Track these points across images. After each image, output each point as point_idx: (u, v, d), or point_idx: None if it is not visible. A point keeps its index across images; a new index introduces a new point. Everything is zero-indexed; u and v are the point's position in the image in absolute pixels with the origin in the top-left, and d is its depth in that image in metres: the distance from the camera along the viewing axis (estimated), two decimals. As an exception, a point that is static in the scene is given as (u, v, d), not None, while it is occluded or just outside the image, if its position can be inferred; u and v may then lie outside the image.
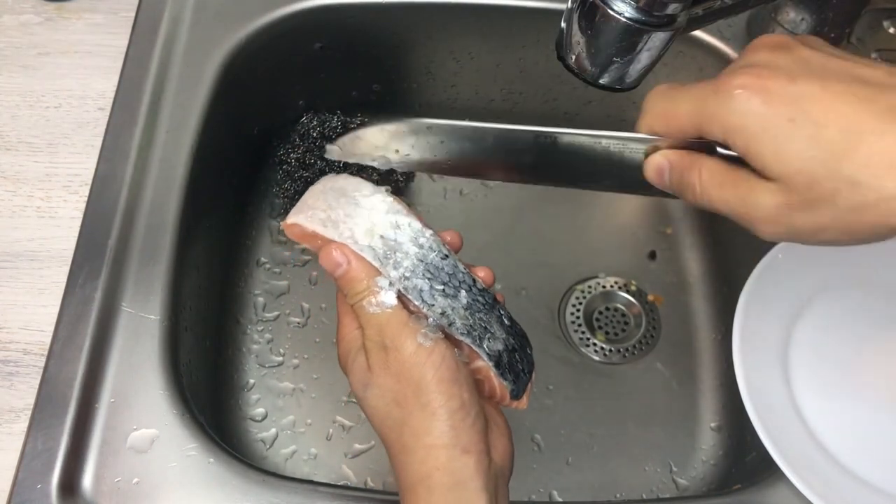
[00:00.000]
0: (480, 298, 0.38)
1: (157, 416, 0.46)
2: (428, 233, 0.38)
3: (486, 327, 0.37)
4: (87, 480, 0.44)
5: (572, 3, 0.40)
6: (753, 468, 0.53)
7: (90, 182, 0.54)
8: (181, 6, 0.62)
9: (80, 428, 0.45)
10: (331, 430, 0.61)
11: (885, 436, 0.48)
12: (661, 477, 0.61)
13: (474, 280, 0.39)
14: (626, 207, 0.74)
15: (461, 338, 0.37)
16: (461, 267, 0.38)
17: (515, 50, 0.69)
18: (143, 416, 0.46)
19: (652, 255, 0.70)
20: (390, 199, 0.39)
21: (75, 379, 0.47)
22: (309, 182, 0.65)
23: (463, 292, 0.37)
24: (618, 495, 0.60)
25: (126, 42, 0.61)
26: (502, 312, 0.39)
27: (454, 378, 0.35)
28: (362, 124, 0.69)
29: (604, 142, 0.36)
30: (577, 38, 0.41)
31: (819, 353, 0.50)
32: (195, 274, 0.56)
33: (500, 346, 0.38)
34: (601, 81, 0.42)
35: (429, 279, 0.37)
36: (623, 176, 0.36)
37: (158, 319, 0.49)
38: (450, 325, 0.36)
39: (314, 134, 0.67)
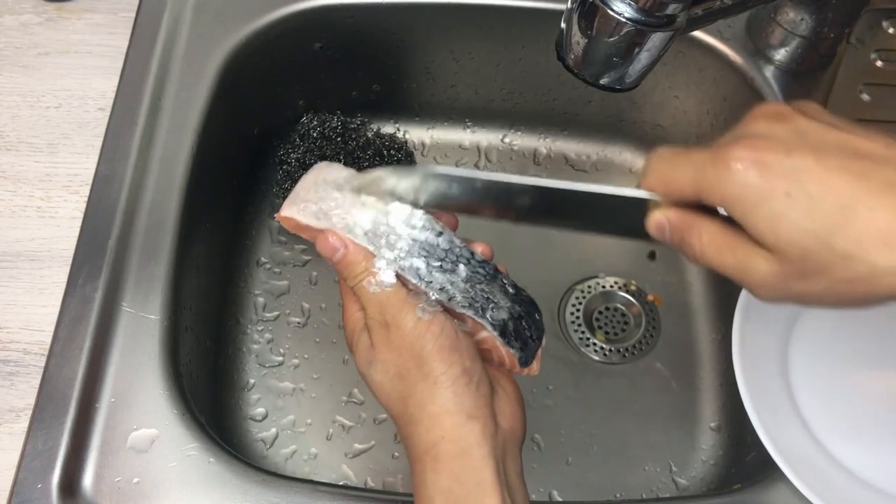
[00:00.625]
0: (480, 270, 0.39)
1: (158, 416, 0.46)
2: (419, 213, 0.39)
3: (488, 298, 0.38)
4: (88, 480, 0.44)
5: (572, 3, 0.40)
6: (753, 468, 0.53)
7: (90, 182, 0.54)
8: (181, 6, 0.62)
9: (80, 428, 0.45)
10: (331, 430, 0.61)
11: (885, 435, 0.48)
12: (661, 477, 0.61)
13: (472, 253, 0.39)
14: (626, 207, 0.73)
15: (463, 311, 0.37)
16: (457, 242, 0.39)
17: (515, 50, 0.69)
18: (143, 415, 0.46)
19: (652, 256, 0.70)
20: (368, 181, 0.39)
21: (75, 379, 0.47)
22: (309, 182, 0.65)
23: (461, 266, 0.38)
24: (618, 495, 0.60)
25: (126, 42, 0.61)
26: (506, 281, 0.40)
27: (454, 346, 0.36)
28: (362, 124, 0.69)
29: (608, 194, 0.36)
30: (577, 38, 0.41)
31: (819, 353, 0.51)
32: (195, 274, 0.56)
33: (504, 315, 0.38)
34: (601, 82, 0.42)
35: (424, 257, 0.37)
36: (627, 224, 0.36)
37: (158, 319, 0.49)
38: (450, 299, 0.37)
39: (314, 134, 0.67)
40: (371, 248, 0.38)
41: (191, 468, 0.45)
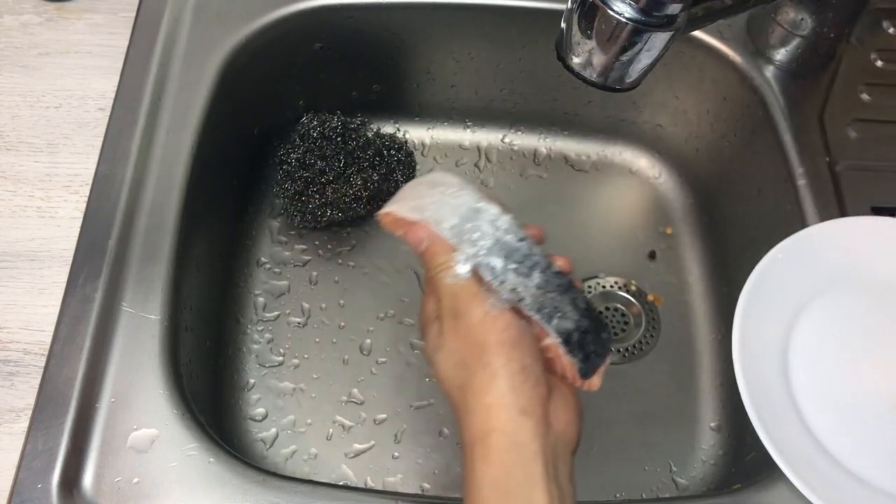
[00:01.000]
0: (554, 280, 0.40)
1: (158, 416, 0.46)
2: (506, 217, 0.41)
3: (556, 307, 0.39)
4: (88, 480, 0.44)
5: (572, 3, 0.40)
6: (753, 468, 0.53)
7: (90, 182, 0.54)
8: (181, 6, 0.62)
9: (80, 428, 0.46)
10: (331, 430, 0.61)
11: (885, 435, 0.48)
12: (661, 477, 0.61)
13: (550, 264, 0.41)
14: (626, 207, 0.74)
15: (531, 314, 0.39)
16: (537, 251, 0.41)
17: (515, 50, 0.69)
18: (143, 415, 0.46)
19: (652, 255, 0.70)
20: (474, 189, 0.42)
21: (76, 379, 0.47)
22: (309, 182, 0.66)
23: (537, 273, 0.40)
24: (618, 495, 0.60)
25: (126, 42, 0.61)
26: (578, 296, 0.41)
27: (516, 343, 0.37)
28: (362, 124, 0.69)
29: None
30: (577, 38, 0.41)
31: (819, 353, 0.51)
32: (195, 274, 0.56)
33: (570, 326, 0.40)
34: (601, 81, 0.42)
35: (503, 258, 0.39)
36: None
37: (159, 319, 0.49)
38: (520, 300, 0.39)
39: (314, 134, 0.67)
40: (454, 241, 0.40)
41: (191, 468, 0.45)
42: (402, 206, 0.43)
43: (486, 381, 0.37)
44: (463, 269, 0.39)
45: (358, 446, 0.60)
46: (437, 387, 0.63)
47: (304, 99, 0.72)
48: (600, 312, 0.42)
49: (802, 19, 0.58)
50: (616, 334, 0.67)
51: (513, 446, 0.36)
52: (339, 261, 0.68)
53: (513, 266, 0.39)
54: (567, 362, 0.40)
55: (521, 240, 0.40)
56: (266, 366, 0.63)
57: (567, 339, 0.39)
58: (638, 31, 0.38)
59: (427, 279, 0.42)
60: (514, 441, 0.36)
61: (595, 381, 0.41)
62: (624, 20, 0.38)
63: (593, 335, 0.41)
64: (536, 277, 0.40)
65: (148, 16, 0.62)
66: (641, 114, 0.73)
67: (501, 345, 0.37)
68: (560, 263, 0.41)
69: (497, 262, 0.39)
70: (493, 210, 0.41)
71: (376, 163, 0.67)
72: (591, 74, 0.42)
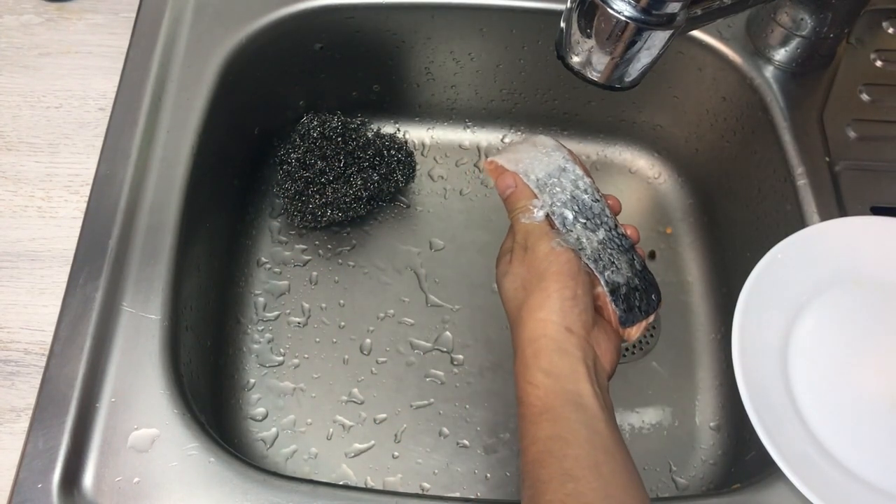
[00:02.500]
0: (617, 240, 0.46)
1: (158, 416, 0.46)
2: (588, 180, 0.47)
3: (612, 262, 0.45)
4: (88, 480, 0.44)
5: (572, 2, 0.40)
6: (753, 468, 0.53)
7: (91, 182, 0.54)
8: (182, 7, 0.63)
9: (80, 427, 0.46)
10: (331, 430, 0.61)
11: (885, 435, 0.48)
12: (661, 476, 0.61)
13: (616, 225, 0.46)
14: (626, 207, 0.73)
15: (587, 262, 0.44)
16: (609, 213, 0.46)
17: (515, 50, 0.69)
18: (143, 415, 0.46)
19: (652, 255, 0.70)
20: (567, 153, 0.48)
21: (76, 378, 0.47)
22: (309, 182, 0.66)
23: (602, 230, 0.45)
24: (618, 495, 0.60)
25: (127, 42, 0.61)
26: (636, 258, 0.46)
27: (573, 274, 0.42)
28: (362, 124, 0.70)
29: None
30: (577, 37, 0.41)
31: (818, 353, 0.51)
32: (196, 274, 0.56)
33: (620, 280, 0.45)
34: (601, 81, 0.42)
35: (575, 211, 0.45)
36: None
37: (159, 319, 0.49)
38: (580, 249, 0.44)
39: (314, 134, 0.67)
40: (536, 191, 0.46)
41: (191, 468, 0.45)
42: (503, 158, 0.48)
43: (540, 299, 0.42)
44: (538, 213, 0.45)
45: (358, 446, 0.60)
46: (438, 385, 0.63)
47: (304, 99, 0.72)
48: (656, 280, 0.48)
49: (802, 19, 0.58)
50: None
51: (559, 349, 0.41)
52: (339, 261, 0.69)
53: (582, 220, 0.45)
54: (611, 310, 0.44)
55: (596, 201, 0.46)
56: (266, 365, 0.63)
57: (614, 290, 0.44)
58: (637, 29, 0.38)
59: (510, 223, 0.48)
60: (560, 347, 0.41)
61: (633, 333, 0.45)
62: (623, 19, 0.38)
63: (641, 293, 0.45)
64: (601, 234, 0.45)
65: (148, 16, 0.62)
66: (641, 114, 0.73)
67: (560, 273, 0.42)
68: (629, 232, 0.47)
69: (568, 214, 0.45)
70: (577, 172, 0.47)
71: (376, 163, 0.67)
72: (591, 73, 0.42)
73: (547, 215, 0.45)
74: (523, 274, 0.44)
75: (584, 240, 0.44)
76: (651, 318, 0.46)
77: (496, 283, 0.47)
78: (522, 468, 0.40)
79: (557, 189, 0.46)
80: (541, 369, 0.41)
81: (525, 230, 0.45)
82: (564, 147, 0.49)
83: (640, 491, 0.39)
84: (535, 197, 0.46)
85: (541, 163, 0.47)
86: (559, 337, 0.41)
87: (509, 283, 0.45)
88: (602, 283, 0.44)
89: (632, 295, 0.45)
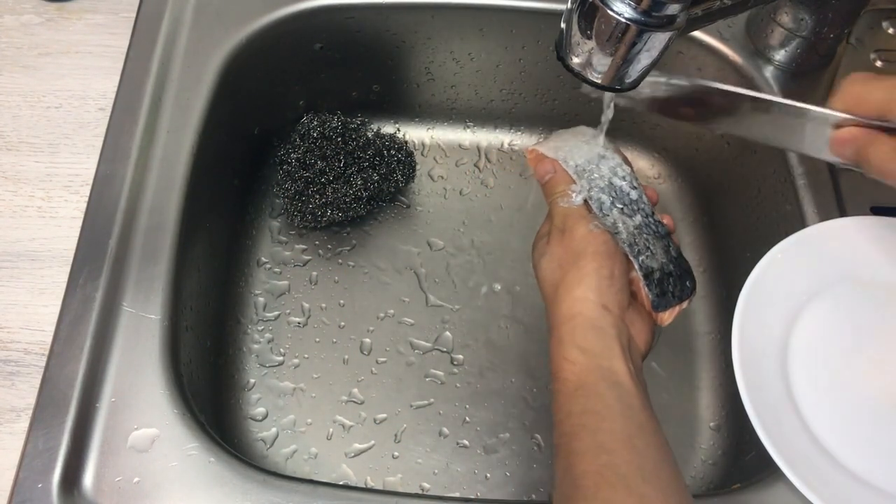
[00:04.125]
0: (653, 227, 0.46)
1: (158, 416, 0.46)
2: (627, 168, 0.48)
3: (647, 247, 0.45)
4: (88, 480, 0.44)
5: (572, 3, 0.40)
6: (752, 468, 0.53)
7: (91, 182, 0.54)
8: (182, 7, 0.63)
9: (80, 427, 0.46)
10: (331, 430, 0.61)
11: (885, 435, 0.48)
12: (661, 476, 0.61)
13: (653, 213, 0.47)
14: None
15: (623, 246, 0.45)
16: (645, 199, 0.47)
17: (515, 50, 0.69)
18: (143, 415, 0.46)
19: (652, 255, 0.70)
20: (607, 141, 0.49)
21: (76, 378, 0.47)
22: (309, 182, 0.66)
23: (639, 216, 0.46)
24: (617, 495, 0.60)
25: (127, 42, 0.61)
26: (671, 244, 0.47)
27: (609, 255, 0.43)
28: (362, 124, 0.70)
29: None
30: (577, 38, 0.41)
31: (818, 353, 0.51)
32: (196, 274, 0.56)
33: (654, 265, 0.45)
34: (601, 82, 0.42)
35: (612, 197, 0.46)
36: (809, 139, 0.43)
37: (159, 319, 0.49)
38: (616, 233, 0.45)
39: (314, 134, 0.67)
40: (575, 177, 0.47)
41: (191, 468, 0.45)
42: (544, 147, 0.50)
43: (577, 278, 0.43)
44: (576, 198, 0.46)
45: (358, 446, 0.60)
46: (438, 385, 0.63)
47: (304, 99, 0.72)
48: (690, 267, 0.49)
49: (802, 19, 0.58)
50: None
51: (594, 327, 0.42)
52: (339, 261, 0.69)
53: (619, 206, 0.46)
54: (644, 294, 0.45)
55: (634, 188, 0.47)
56: (266, 365, 0.63)
57: (648, 275, 0.45)
58: (638, 31, 0.38)
59: (549, 208, 0.48)
60: (595, 325, 0.42)
61: (665, 317, 0.46)
62: (624, 20, 0.38)
63: (675, 279, 0.46)
64: (637, 220, 0.46)
65: (148, 16, 0.62)
66: (641, 114, 0.73)
67: (597, 253, 0.43)
68: (666, 221, 0.48)
69: (605, 199, 0.46)
70: (616, 160, 0.48)
71: (376, 163, 0.67)
72: (591, 75, 0.42)
73: (585, 200, 0.46)
74: (560, 254, 0.44)
75: (621, 224, 0.45)
76: (685, 304, 0.47)
77: (532, 266, 0.47)
78: (556, 441, 0.41)
79: (595, 175, 0.47)
80: (576, 346, 0.41)
81: (563, 213, 0.46)
82: (603, 135, 0.50)
83: (673, 468, 0.39)
84: (574, 182, 0.47)
85: (580, 150, 0.48)
86: (595, 314, 0.42)
87: (546, 263, 0.45)
88: (636, 266, 0.45)
89: (665, 280, 0.46)
